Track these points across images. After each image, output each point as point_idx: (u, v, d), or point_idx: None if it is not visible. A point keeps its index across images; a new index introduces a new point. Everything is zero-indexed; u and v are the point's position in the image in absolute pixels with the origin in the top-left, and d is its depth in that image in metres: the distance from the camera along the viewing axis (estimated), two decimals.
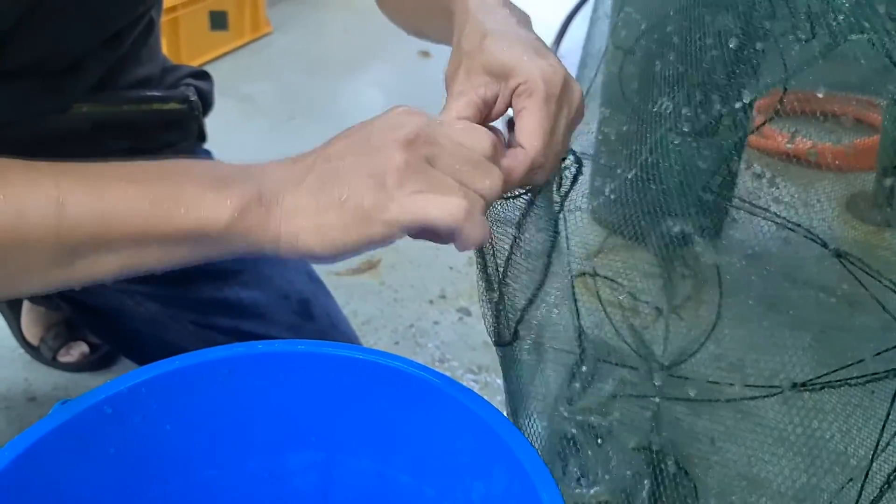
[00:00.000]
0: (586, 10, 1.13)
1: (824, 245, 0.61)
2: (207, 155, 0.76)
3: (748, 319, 1.03)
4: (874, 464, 0.53)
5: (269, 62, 1.94)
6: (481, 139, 0.41)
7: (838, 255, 0.57)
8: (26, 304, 0.96)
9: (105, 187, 0.39)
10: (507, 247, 0.55)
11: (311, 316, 0.71)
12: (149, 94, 0.62)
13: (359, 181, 0.39)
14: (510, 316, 0.57)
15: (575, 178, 0.53)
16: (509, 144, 0.46)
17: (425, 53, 1.97)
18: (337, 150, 0.41)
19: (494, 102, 0.46)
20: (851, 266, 0.57)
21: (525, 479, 0.45)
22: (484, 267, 0.55)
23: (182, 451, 0.52)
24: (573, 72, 0.57)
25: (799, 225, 0.69)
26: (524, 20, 0.50)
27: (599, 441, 0.63)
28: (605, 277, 0.74)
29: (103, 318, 0.77)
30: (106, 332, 0.81)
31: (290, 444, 0.55)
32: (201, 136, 0.75)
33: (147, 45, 0.63)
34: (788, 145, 0.74)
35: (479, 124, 0.45)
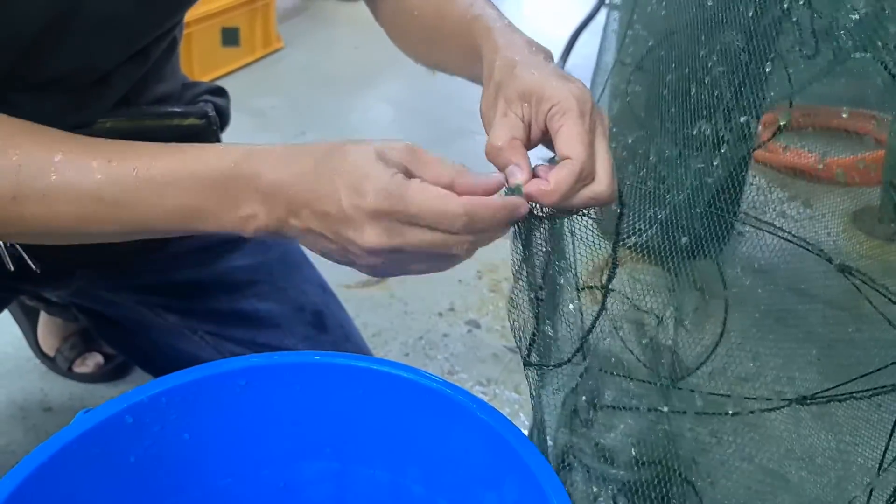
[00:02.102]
0: (593, 27, 1.15)
1: (829, 260, 0.62)
2: None
3: (754, 333, 1.03)
4: (881, 476, 0.54)
5: (281, 77, 1.96)
6: (454, 215, 0.43)
7: (842, 269, 0.58)
8: (43, 316, 0.98)
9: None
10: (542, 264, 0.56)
11: (325, 328, 0.72)
12: (170, 109, 0.64)
13: (331, 248, 0.47)
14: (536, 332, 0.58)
15: (620, 215, 0.55)
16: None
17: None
18: (309, 210, 0.45)
19: (531, 126, 0.49)
20: (856, 281, 0.58)
21: (537, 490, 0.46)
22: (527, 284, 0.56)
23: (199, 460, 0.53)
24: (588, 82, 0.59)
25: (804, 240, 0.70)
26: (548, 55, 0.53)
27: (606, 454, 0.64)
28: (611, 290, 0.75)
29: (119, 330, 0.78)
30: (122, 344, 0.83)
31: (304, 455, 0.56)
32: None
33: (170, 61, 0.65)
34: (819, 166, 0.76)
35: (525, 145, 0.48)
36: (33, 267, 0.61)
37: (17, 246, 0.60)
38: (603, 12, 1.11)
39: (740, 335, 1.08)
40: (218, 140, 0.72)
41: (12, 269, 0.61)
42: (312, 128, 1.70)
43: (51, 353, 0.97)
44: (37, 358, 0.98)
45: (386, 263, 0.46)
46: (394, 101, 1.90)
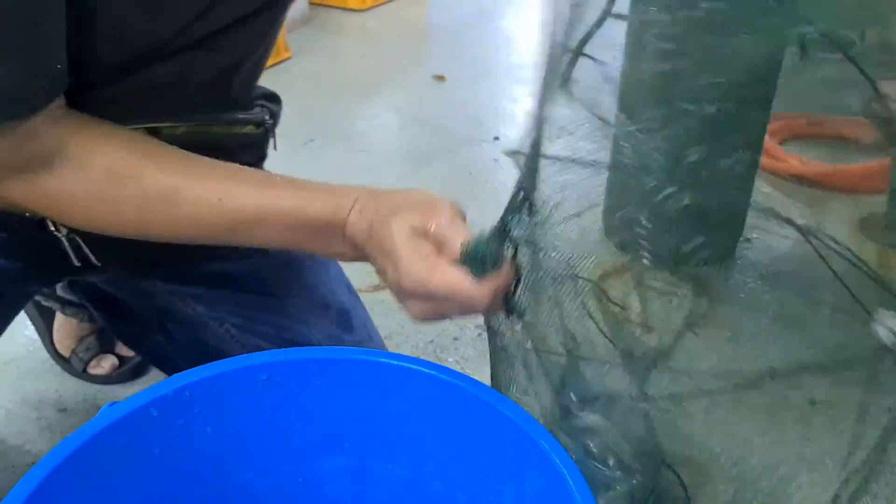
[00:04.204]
0: (599, 39, 1.16)
1: (844, 256, 0.62)
2: None
3: (761, 336, 1.04)
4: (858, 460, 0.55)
5: (289, 86, 1.98)
6: (480, 300, 0.50)
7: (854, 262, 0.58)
8: (59, 317, 0.99)
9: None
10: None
11: (351, 327, 0.73)
12: (236, 116, 0.64)
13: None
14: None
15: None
16: None
17: (440, 77, 2.01)
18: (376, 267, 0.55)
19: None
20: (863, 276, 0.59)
21: (559, 481, 0.46)
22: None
23: (222, 454, 0.54)
24: (597, 93, 0.59)
25: (816, 237, 0.71)
26: None
27: (590, 444, 0.64)
28: (610, 301, 0.76)
29: (137, 327, 0.79)
30: (138, 341, 0.83)
31: (324, 450, 0.57)
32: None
33: (262, 65, 0.66)
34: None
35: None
36: (94, 261, 0.64)
37: (78, 238, 0.62)
38: (609, 23, 1.12)
39: (747, 339, 1.08)
40: (269, 146, 0.72)
41: (77, 264, 0.63)
42: (320, 135, 1.71)
43: (66, 354, 0.98)
44: (52, 359, 0.99)
45: (436, 318, 0.54)
46: (400, 109, 1.91)
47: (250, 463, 0.55)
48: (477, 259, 0.50)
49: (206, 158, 0.55)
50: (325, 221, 0.54)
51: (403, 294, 0.52)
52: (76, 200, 0.52)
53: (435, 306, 0.52)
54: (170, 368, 0.82)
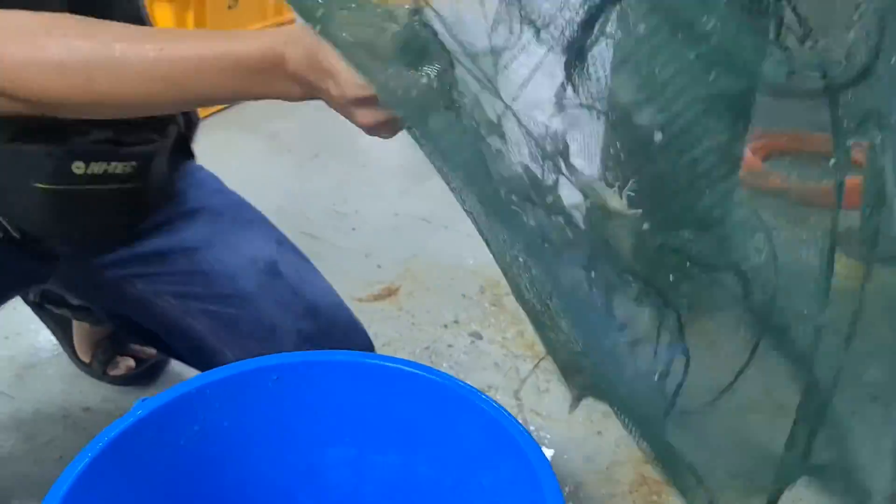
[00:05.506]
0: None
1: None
2: (201, 171, 0.86)
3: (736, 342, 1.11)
4: None
5: (297, 104, 2.06)
6: None
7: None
8: (76, 325, 1.06)
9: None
10: None
11: (280, 274, 0.78)
12: None
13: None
14: None
15: None
16: None
17: None
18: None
19: None
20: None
21: (529, 469, 0.54)
22: None
23: (236, 444, 0.62)
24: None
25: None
26: None
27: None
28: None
29: (125, 316, 0.86)
30: (127, 328, 0.91)
31: (326, 441, 0.64)
32: (186, 150, 0.84)
33: None
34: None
35: None
36: (14, 234, 0.70)
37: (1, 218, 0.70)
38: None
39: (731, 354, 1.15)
40: (182, 134, 0.81)
41: (16, 235, 0.70)
42: (325, 150, 1.79)
43: (87, 359, 1.05)
44: (75, 365, 1.07)
45: (385, 126, 0.58)
46: None
47: (262, 452, 0.63)
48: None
49: (133, 26, 0.60)
50: (261, 58, 0.58)
51: (351, 104, 0.57)
52: (28, 67, 0.57)
53: (378, 109, 0.56)
54: (144, 340, 0.92)
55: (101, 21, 0.59)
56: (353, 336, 0.80)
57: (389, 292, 1.29)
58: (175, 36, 0.59)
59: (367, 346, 0.81)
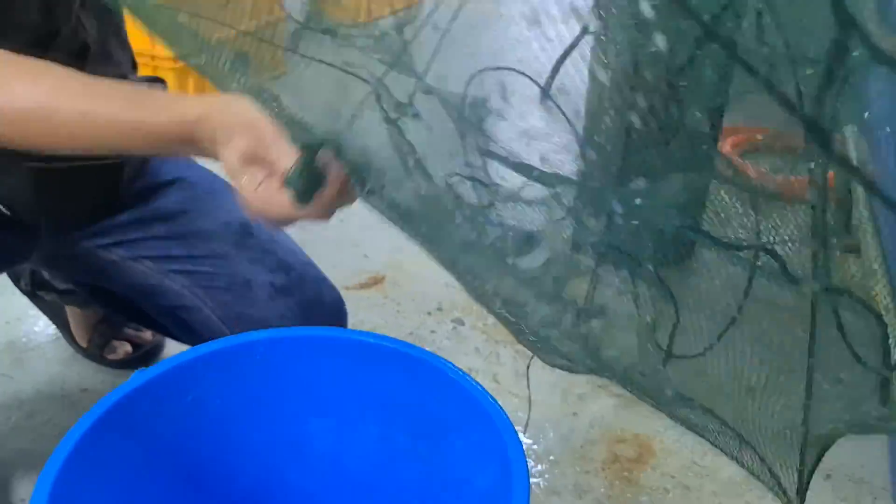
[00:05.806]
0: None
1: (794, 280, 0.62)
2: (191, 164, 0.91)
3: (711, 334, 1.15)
4: None
5: None
6: None
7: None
8: (70, 311, 1.11)
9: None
10: None
11: (251, 234, 0.84)
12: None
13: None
14: None
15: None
16: None
17: None
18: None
19: None
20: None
21: (496, 434, 0.59)
22: None
23: (227, 414, 0.66)
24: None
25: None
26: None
27: None
28: None
29: (105, 290, 0.91)
30: (108, 301, 0.95)
31: (309, 412, 0.69)
32: None
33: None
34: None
35: None
36: (5, 212, 0.75)
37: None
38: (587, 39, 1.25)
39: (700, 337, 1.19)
40: None
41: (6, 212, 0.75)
42: None
43: (84, 343, 1.10)
44: (74, 350, 1.11)
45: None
46: None
47: (250, 422, 0.67)
48: (300, 189, 0.57)
49: (81, 75, 0.63)
50: (170, 131, 0.61)
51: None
52: None
53: (276, 224, 0.62)
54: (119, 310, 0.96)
55: (48, 67, 0.62)
56: (323, 289, 0.85)
57: (375, 281, 1.34)
58: (109, 96, 0.63)
59: (337, 299, 0.86)
